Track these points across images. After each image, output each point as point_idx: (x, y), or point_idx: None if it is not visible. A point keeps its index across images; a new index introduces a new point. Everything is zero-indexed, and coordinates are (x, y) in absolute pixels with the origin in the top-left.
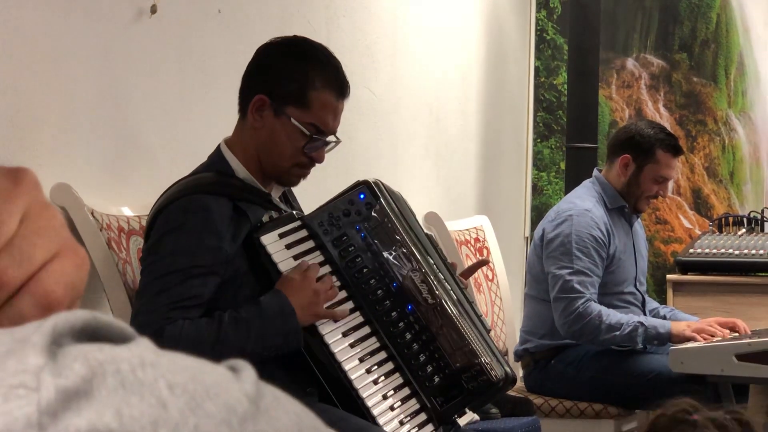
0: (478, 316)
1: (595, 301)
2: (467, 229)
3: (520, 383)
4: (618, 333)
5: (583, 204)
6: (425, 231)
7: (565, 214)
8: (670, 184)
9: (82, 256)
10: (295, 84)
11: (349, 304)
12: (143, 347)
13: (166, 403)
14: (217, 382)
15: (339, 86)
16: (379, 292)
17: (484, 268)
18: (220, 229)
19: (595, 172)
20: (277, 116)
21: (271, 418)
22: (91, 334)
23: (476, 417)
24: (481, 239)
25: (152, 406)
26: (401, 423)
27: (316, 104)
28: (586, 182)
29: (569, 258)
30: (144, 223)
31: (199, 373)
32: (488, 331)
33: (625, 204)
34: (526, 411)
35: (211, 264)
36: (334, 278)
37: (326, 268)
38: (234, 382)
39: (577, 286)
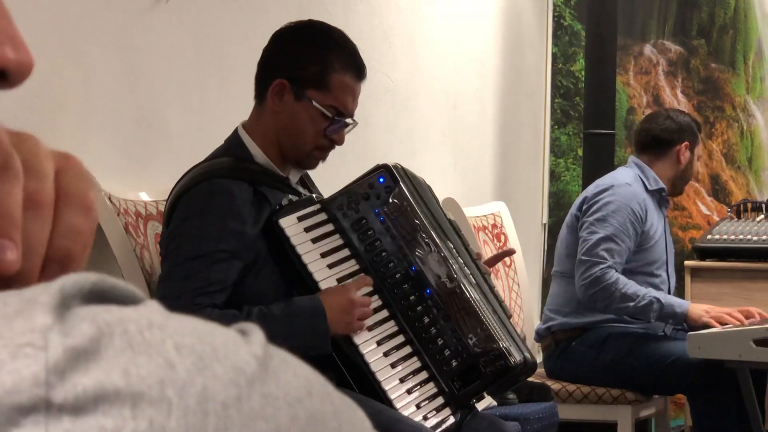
0: (499, 302)
1: (617, 270)
2: (485, 216)
3: (539, 367)
4: (632, 304)
5: (624, 179)
6: (448, 217)
7: (607, 184)
8: None
9: (71, 155)
10: (315, 67)
11: (368, 288)
12: (151, 309)
13: (173, 364)
14: (226, 344)
15: (357, 68)
16: (397, 275)
17: None
18: (243, 213)
19: (632, 158)
20: (298, 100)
21: (280, 380)
22: (100, 296)
23: (494, 402)
24: (499, 225)
25: (159, 366)
26: (418, 407)
27: (336, 87)
28: (623, 167)
29: (602, 224)
30: (161, 208)
31: (207, 335)
32: (509, 317)
33: (663, 187)
34: (543, 396)
35: (235, 248)
36: (354, 261)
37: (345, 252)
38: (242, 344)
39: (602, 252)
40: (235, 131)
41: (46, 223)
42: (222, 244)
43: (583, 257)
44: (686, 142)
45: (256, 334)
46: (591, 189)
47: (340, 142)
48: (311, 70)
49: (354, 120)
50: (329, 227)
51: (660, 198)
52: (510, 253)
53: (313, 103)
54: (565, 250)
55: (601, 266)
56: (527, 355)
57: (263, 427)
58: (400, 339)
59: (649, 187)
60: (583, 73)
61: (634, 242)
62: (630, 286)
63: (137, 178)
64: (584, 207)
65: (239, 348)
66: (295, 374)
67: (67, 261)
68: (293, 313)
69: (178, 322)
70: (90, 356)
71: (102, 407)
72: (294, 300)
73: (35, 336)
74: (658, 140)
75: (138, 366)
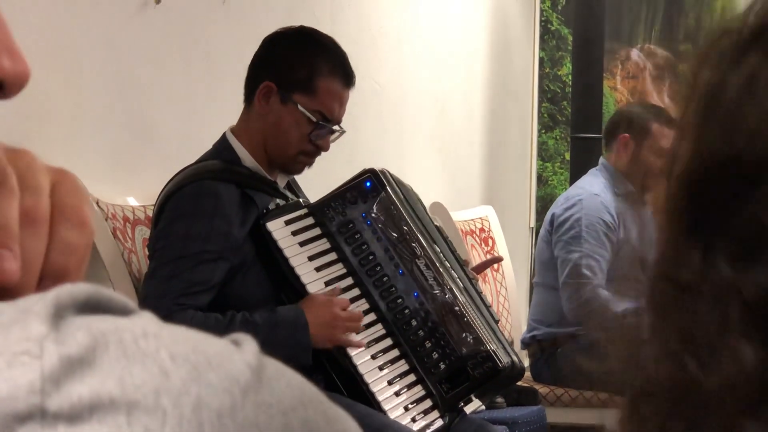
0: (487, 307)
1: (603, 287)
2: (472, 219)
3: (526, 372)
4: None
5: (592, 189)
6: (435, 223)
7: (575, 198)
8: None
9: (65, 170)
10: (302, 71)
11: (356, 291)
12: (146, 319)
13: (168, 372)
14: (220, 353)
15: (345, 75)
16: (384, 278)
17: (489, 257)
18: (230, 215)
19: (601, 159)
20: (283, 103)
21: (273, 389)
22: (94, 306)
23: (482, 406)
24: (486, 229)
25: (154, 375)
26: (406, 409)
27: (322, 91)
28: (593, 170)
29: (578, 242)
30: (149, 213)
31: (202, 345)
32: (497, 322)
33: (632, 189)
34: (531, 400)
35: (221, 249)
36: (341, 265)
37: (332, 256)
38: (236, 354)
39: (585, 271)
40: (224, 135)
41: (42, 239)
42: (208, 245)
43: (568, 280)
44: (624, 134)
45: (250, 344)
46: (560, 203)
47: (326, 148)
48: (299, 74)
49: (341, 127)
50: (316, 231)
51: (631, 200)
52: (497, 260)
53: (299, 107)
54: (543, 263)
55: (588, 287)
56: (515, 358)
57: None
58: (388, 342)
59: (617, 192)
60: (570, 77)
61: (611, 253)
62: (619, 302)
63: (125, 183)
64: (555, 224)
65: (233, 357)
66: (289, 384)
67: (63, 277)
68: (276, 322)
69: (172, 331)
70: (85, 365)
71: (97, 415)
72: (278, 309)
73: (31, 344)
74: (605, 133)
75: (133, 375)
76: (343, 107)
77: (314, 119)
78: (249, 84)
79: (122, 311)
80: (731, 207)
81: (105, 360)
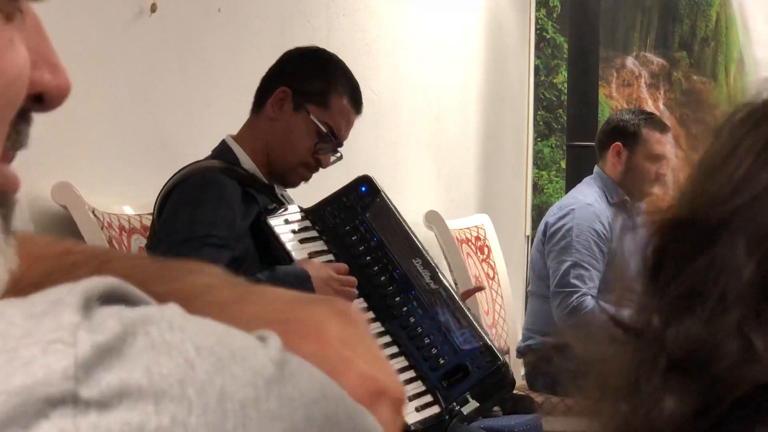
0: (476, 319)
1: (592, 296)
2: (468, 228)
3: (521, 381)
4: None
5: (585, 199)
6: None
7: (567, 208)
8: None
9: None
10: (319, 84)
11: (354, 291)
12: (172, 311)
13: (193, 364)
14: (244, 347)
15: (356, 99)
16: (382, 278)
17: (485, 266)
18: (234, 203)
19: (596, 168)
20: (296, 110)
21: (296, 382)
22: (120, 298)
23: (479, 415)
24: (482, 238)
25: (180, 365)
26: (408, 400)
27: (335, 107)
28: (587, 179)
29: (569, 251)
30: (145, 221)
31: (226, 338)
32: (486, 335)
33: (627, 198)
34: (527, 408)
35: (225, 236)
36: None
37: (331, 257)
38: (260, 348)
39: (574, 280)
40: (223, 141)
41: None
42: (214, 230)
43: (557, 289)
44: (617, 143)
45: (274, 339)
46: (553, 212)
47: (325, 165)
48: (315, 86)
49: (340, 151)
50: (314, 233)
51: (626, 209)
52: (479, 289)
53: (311, 116)
54: (537, 272)
55: (576, 295)
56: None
57: (280, 427)
58: (387, 339)
59: (611, 201)
60: (565, 85)
61: (603, 263)
62: (608, 310)
63: (121, 192)
64: (548, 234)
65: (257, 352)
66: (310, 377)
67: None
68: (278, 277)
69: (197, 324)
70: (114, 354)
71: (126, 403)
72: (278, 267)
73: (64, 333)
74: (597, 142)
75: (160, 365)
76: (348, 128)
77: (324, 130)
78: (262, 90)
79: (145, 304)
80: (683, 262)
81: (133, 350)
